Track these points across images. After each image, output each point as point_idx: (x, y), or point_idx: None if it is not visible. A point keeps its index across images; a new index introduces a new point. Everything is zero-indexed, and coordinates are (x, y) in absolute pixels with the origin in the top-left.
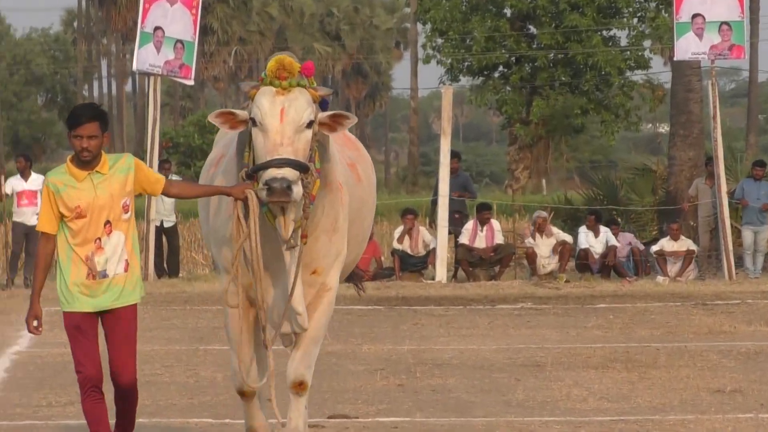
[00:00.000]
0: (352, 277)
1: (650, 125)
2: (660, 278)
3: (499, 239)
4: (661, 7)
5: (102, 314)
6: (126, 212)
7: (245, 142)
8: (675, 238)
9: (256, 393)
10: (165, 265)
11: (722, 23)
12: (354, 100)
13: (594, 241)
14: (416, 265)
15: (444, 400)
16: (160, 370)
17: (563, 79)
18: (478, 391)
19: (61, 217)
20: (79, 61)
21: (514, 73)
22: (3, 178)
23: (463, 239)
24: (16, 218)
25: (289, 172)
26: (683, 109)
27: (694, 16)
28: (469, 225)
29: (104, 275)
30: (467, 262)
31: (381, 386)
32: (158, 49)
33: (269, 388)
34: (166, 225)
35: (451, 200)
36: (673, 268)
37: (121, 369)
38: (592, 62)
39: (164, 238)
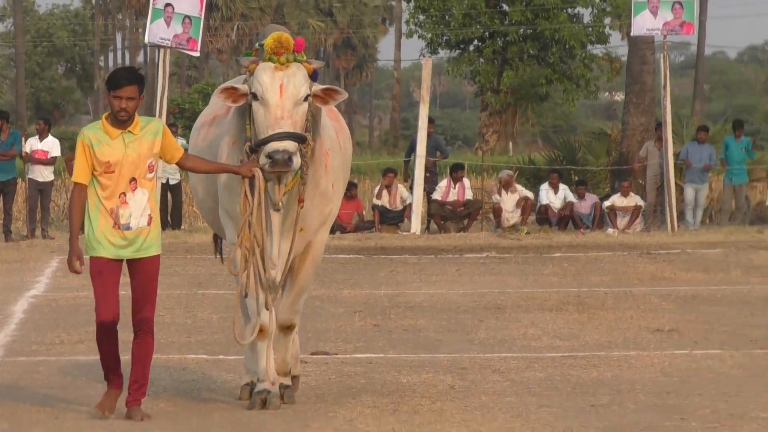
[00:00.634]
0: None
1: (607, 94)
2: (610, 230)
3: (468, 195)
4: None
5: (128, 262)
6: (151, 172)
7: (245, 114)
8: (625, 195)
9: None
10: (168, 219)
11: (675, 2)
12: (343, 71)
13: (554, 197)
14: (394, 218)
15: (414, 339)
16: (162, 312)
17: (531, 52)
18: (445, 331)
19: (92, 170)
20: (96, 35)
21: (488, 47)
22: (24, 138)
23: (437, 195)
24: (29, 175)
25: (290, 145)
26: (637, 80)
27: None
28: (443, 183)
29: (128, 227)
30: (439, 216)
31: (359, 326)
32: (168, 23)
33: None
34: (171, 182)
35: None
36: (622, 222)
37: (143, 312)
38: (558, 37)
39: (169, 194)
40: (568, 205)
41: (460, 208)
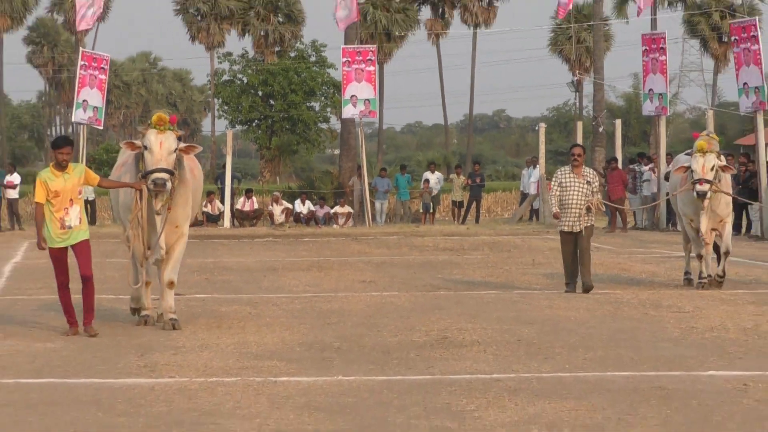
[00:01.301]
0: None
1: (330, 150)
2: (335, 226)
3: (256, 206)
4: (335, 91)
5: (72, 246)
6: (79, 194)
7: (139, 157)
8: (342, 206)
9: (142, 288)
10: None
11: (366, 99)
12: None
13: (302, 207)
14: (215, 219)
15: (227, 286)
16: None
17: (287, 127)
18: (245, 282)
19: (46, 197)
20: (44, 116)
21: (263, 123)
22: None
23: (238, 205)
24: (6, 195)
25: (165, 175)
26: (346, 142)
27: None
28: (241, 199)
29: (69, 227)
30: (240, 218)
31: (196, 280)
32: (84, 110)
33: (145, 287)
34: (89, 198)
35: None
36: (341, 221)
37: (84, 271)
38: (302, 118)
39: (88, 206)
40: (310, 212)
41: (251, 213)
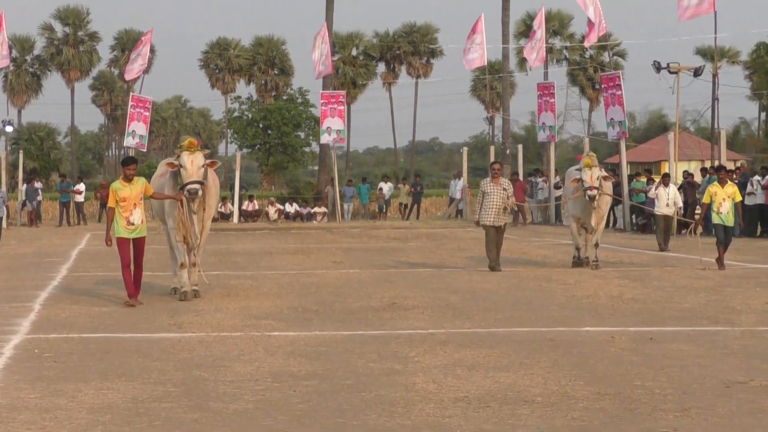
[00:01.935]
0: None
1: (311, 167)
2: (314, 222)
3: (257, 207)
4: (315, 124)
5: (133, 239)
6: (141, 200)
7: (176, 174)
8: (319, 207)
9: (186, 269)
10: None
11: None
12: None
13: (291, 208)
14: (227, 217)
15: (233, 265)
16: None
17: (280, 149)
18: (248, 262)
19: (116, 201)
20: (104, 142)
21: (262, 149)
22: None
23: (243, 207)
24: (74, 199)
25: (197, 186)
26: (323, 161)
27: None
28: (247, 202)
29: (133, 224)
30: (245, 216)
31: (213, 261)
32: (133, 137)
33: (191, 271)
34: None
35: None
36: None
37: (138, 259)
38: (291, 144)
39: None
40: (296, 211)
41: (253, 212)
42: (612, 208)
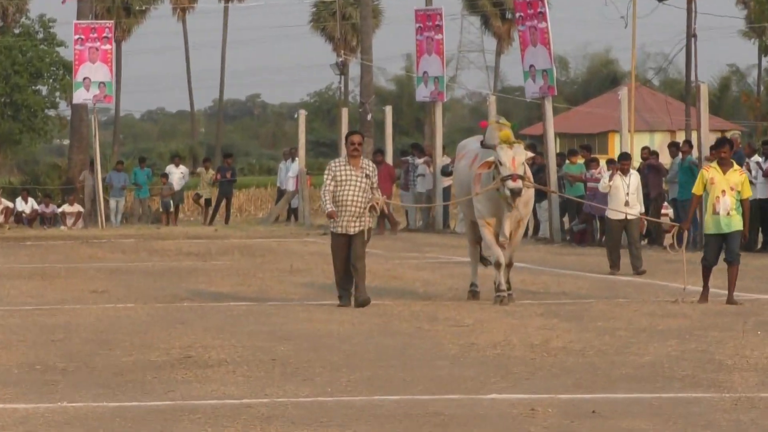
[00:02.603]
0: None
1: (58, 140)
2: (63, 228)
3: None
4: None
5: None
6: None
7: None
8: (71, 204)
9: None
10: None
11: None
12: None
13: (25, 206)
14: None
15: None
16: None
17: (9, 113)
18: None
19: None
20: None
21: None
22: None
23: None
24: None
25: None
26: (77, 132)
27: None
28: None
29: None
30: None
31: None
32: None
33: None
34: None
35: None
36: (70, 221)
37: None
38: (26, 104)
39: None
40: (34, 211)
41: None
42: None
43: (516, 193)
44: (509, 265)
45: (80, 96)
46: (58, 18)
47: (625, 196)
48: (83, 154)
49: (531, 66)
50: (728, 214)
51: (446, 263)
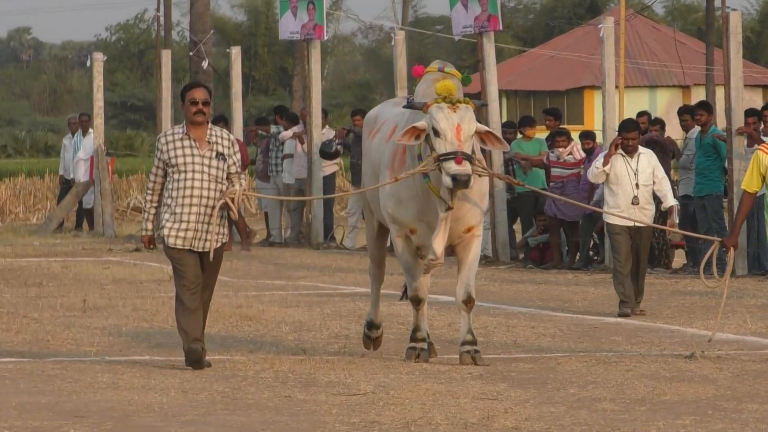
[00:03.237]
0: None
1: None
2: None
3: None
4: None
5: None
6: None
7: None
8: None
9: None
10: None
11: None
12: None
13: None
14: None
15: None
16: None
17: None
18: None
19: None
20: None
21: None
22: None
23: None
24: None
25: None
26: None
27: None
28: None
29: None
30: None
31: None
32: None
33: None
34: None
35: None
36: None
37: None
38: None
39: None
40: None
41: None
42: None
43: (461, 183)
44: (468, 303)
45: None
46: None
47: (632, 189)
48: None
49: None
50: None
51: (329, 296)
